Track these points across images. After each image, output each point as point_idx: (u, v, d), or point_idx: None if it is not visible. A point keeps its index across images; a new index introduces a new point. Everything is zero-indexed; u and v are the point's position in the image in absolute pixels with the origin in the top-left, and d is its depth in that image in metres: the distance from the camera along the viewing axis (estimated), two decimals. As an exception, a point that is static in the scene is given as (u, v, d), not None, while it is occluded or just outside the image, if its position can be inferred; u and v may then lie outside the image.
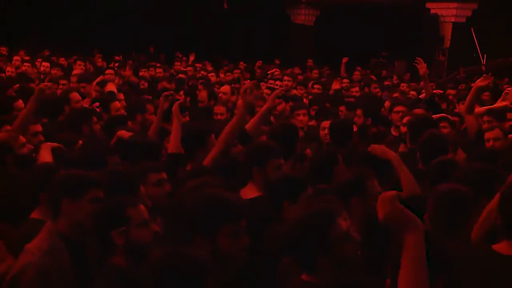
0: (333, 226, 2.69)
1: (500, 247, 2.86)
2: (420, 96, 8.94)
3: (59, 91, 8.47)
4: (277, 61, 17.40)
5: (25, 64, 11.51)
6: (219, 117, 6.70)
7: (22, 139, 4.86)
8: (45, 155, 4.54)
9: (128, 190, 3.41)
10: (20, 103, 6.22)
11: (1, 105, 6.39)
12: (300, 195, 3.62)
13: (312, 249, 2.64)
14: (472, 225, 3.31)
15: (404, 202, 3.24)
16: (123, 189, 3.36)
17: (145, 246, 2.83)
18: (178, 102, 5.45)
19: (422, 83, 7.97)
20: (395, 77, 14.09)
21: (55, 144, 4.75)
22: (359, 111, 7.02)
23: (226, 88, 8.75)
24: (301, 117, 6.80)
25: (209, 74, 12.46)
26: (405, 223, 2.25)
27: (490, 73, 6.67)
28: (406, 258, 2.23)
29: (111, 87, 8.44)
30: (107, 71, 10.29)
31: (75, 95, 6.77)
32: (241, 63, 16.20)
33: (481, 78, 6.37)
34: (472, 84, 6.90)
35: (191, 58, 15.57)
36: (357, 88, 10.50)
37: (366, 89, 10.39)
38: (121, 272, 2.80)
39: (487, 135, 5.66)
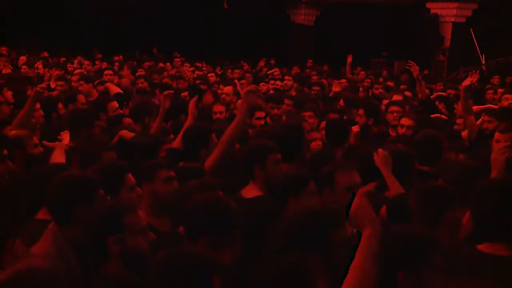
0: (339, 228, 2.68)
1: (483, 246, 2.91)
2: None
3: (56, 92, 8.48)
4: (272, 61, 17.38)
5: (23, 66, 11.51)
6: (218, 115, 6.66)
7: (35, 140, 4.85)
8: (58, 156, 4.54)
9: (111, 184, 3.40)
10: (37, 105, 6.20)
11: (15, 106, 6.37)
12: (303, 190, 3.63)
13: (313, 245, 2.62)
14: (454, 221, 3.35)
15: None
16: (107, 183, 3.32)
17: (141, 254, 2.78)
18: (194, 98, 5.50)
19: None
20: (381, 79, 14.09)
21: (65, 145, 4.76)
22: (361, 111, 6.99)
23: (228, 89, 8.74)
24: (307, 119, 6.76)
25: (208, 74, 12.45)
26: (365, 219, 2.44)
27: (491, 73, 6.78)
28: (358, 252, 2.40)
29: (111, 87, 8.44)
30: (106, 72, 10.28)
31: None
32: (242, 62, 16.18)
33: (467, 78, 6.51)
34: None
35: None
36: (361, 89, 10.51)
37: (370, 91, 10.40)
38: (115, 281, 2.75)
39: (498, 136, 5.64)
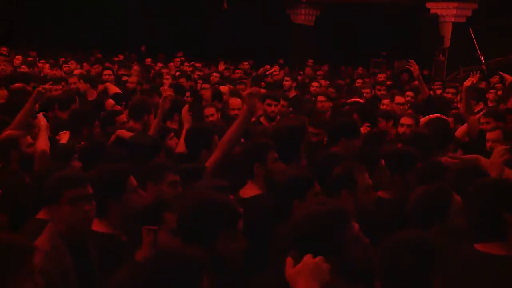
0: (347, 227, 2.67)
1: (480, 245, 2.93)
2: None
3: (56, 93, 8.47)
4: (281, 61, 17.42)
5: (22, 66, 11.49)
6: (209, 118, 6.63)
7: (29, 139, 4.88)
8: (42, 141, 4.63)
9: (114, 187, 3.41)
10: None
11: (13, 106, 6.35)
12: (308, 193, 3.65)
13: (322, 247, 2.61)
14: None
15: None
16: (109, 186, 3.35)
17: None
18: (186, 106, 5.52)
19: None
20: (383, 76, 14.09)
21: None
22: (355, 115, 6.97)
23: (225, 88, 8.72)
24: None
25: (214, 74, 12.45)
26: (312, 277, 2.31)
27: (491, 72, 6.81)
28: None
29: (110, 87, 8.44)
30: (105, 72, 10.28)
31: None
32: (244, 63, 16.16)
33: (468, 78, 6.55)
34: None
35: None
36: (368, 90, 10.51)
37: (372, 92, 10.40)
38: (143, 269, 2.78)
39: (488, 135, 5.69)
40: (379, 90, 10.37)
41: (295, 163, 4.76)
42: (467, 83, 6.43)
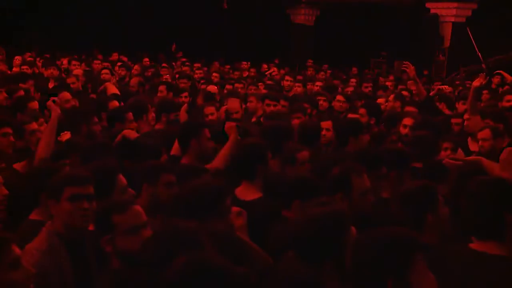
0: (347, 230, 2.66)
1: (475, 245, 2.92)
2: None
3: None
4: (276, 61, 17.39)
5: (22, 67, 11.48)
6: (209, 117, 6.62)
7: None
8: (43, 147, 4.62)
9: (103, 185, 3.38)
10: (34, 104, 6.17)
11: (14, 105, 6.34)
12: (313, 197, 3.59)
13: (321, 249, 2.58)
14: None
15: None
16: (99, 184, 3.30)
17: (135, 252, 2.75)
18: (185, 105, 5.53)
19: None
20: (381, 78, 14.10)
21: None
22: (363, 111, 6.97)
23: (213, 87, 8.74)
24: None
25: (214, 74, 12.44)
26: None
27: (490, 71, 6.85)
28: None
29: (109, 87, 8.43)
30: (103, 71, 10.28)
31: (65, 95, 6.75)
32: (243, 63, 16.14)
33: (477, 79, 6.58)
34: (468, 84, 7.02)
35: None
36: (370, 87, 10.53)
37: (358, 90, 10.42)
38: (119, 276, 2.77)
39: (479, 135, 5.72)
40: (366, 87, 10.40)
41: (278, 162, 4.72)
42: (476, 83, 6.47)
